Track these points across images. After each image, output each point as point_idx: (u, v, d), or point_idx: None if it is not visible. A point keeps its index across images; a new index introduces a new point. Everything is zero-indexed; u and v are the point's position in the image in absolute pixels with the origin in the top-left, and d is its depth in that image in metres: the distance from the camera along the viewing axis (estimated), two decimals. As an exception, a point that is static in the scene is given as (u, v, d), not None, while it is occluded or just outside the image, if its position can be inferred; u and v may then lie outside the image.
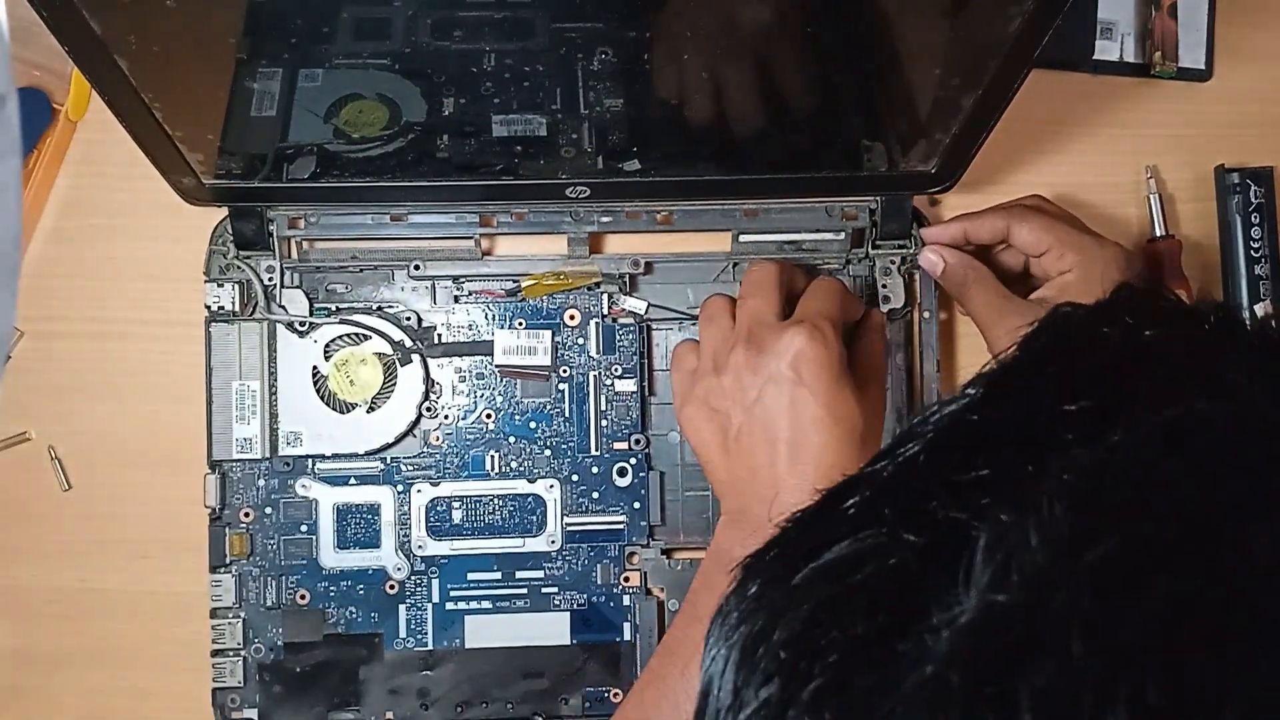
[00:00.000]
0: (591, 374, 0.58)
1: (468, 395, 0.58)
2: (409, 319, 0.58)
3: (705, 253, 0.59)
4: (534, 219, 0.57)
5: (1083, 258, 0.53)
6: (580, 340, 0.58)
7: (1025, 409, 0.25)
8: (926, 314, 0.59)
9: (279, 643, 0.56)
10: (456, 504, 0.57)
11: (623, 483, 0.58)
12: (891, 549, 0.24)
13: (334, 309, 0.58)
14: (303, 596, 0.56)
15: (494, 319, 0.58)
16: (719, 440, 0.51)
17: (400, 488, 0.57)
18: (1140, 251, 0.60)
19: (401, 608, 0.57)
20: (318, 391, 0.57)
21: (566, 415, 0.58)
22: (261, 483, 0.57)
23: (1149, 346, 0.26)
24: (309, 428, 0.57)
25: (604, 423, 0.58)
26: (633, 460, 0.58)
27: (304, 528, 0.57)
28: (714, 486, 0.53)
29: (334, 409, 0.57)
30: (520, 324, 0.58)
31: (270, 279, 0.57)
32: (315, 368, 0.57)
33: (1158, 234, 0.60)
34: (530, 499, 0.58)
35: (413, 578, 0.57)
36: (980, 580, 0.22)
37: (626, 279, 0.58)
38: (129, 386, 0.59)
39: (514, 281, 0.58)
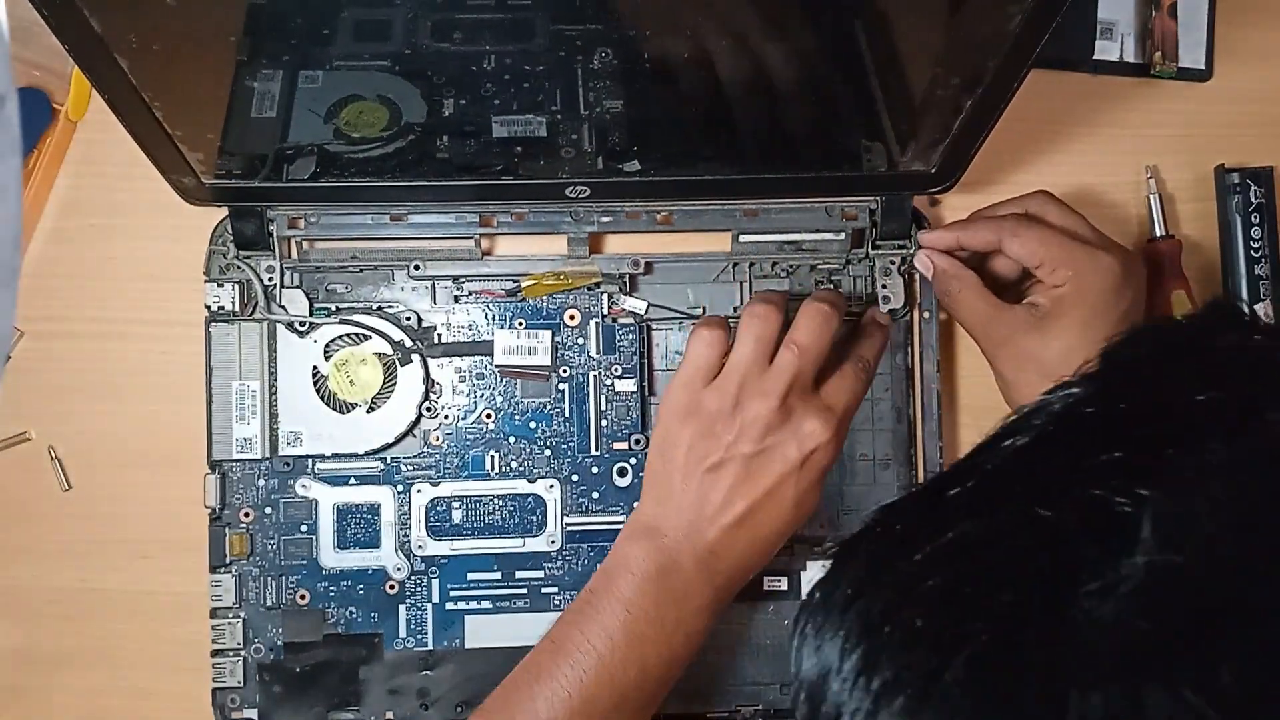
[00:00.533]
0: (591, 374, 0.58)
1: (468, 395, 0.58)
2: (409, 319, 0.58)
3: (705, 253, 0.59)
4: (534, 219, 0.57)
5: (1075, 272, 0.52)
6: (580, 340, 0.58)
7: (1151, 401, 0.28)
8: (926, 314, 0.59)
9: (279, 643, 0.56)
10: (456, 504, 0.57)
11: (623, 483, 0.58)
12: (1028, 525, 0.26)
13: (334, 309, 0.58)
14: (303, 596, 0.56)
15: (494, 319, 0.58)
16: (693, 458, 0.50)
17: (400, 488, 0.57)
18: (1141, 252, 0.59)
19: (401, 608, 0.57)
20: (318, 391, 0.57)
21: (566, 415, 0.58)
22: (261, 483, 0.57)
23: (1261, 351, 0.29)
24: (309, 428, 0.57)
25: (604, 423, 0.58)
26: (633, 460, 0.58)
27: (304, 528, 0.57)
28: (646, 481, 0.52)
29: (334, 409, 0.57)
30: (520, 324, 0.58)
31: (270, 279, 0.57)
32: (315, 368, 0.57)
33: (1158, 234, 0.60)
34: (530, 499, 0.58)
35: (413, 578, 0.57)
36: (1150, 546, 0.25)
37: (626, 279, 0.58)
38: (129, 386, 0.59)
39: (514, 281, 0.58)
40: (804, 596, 0.29)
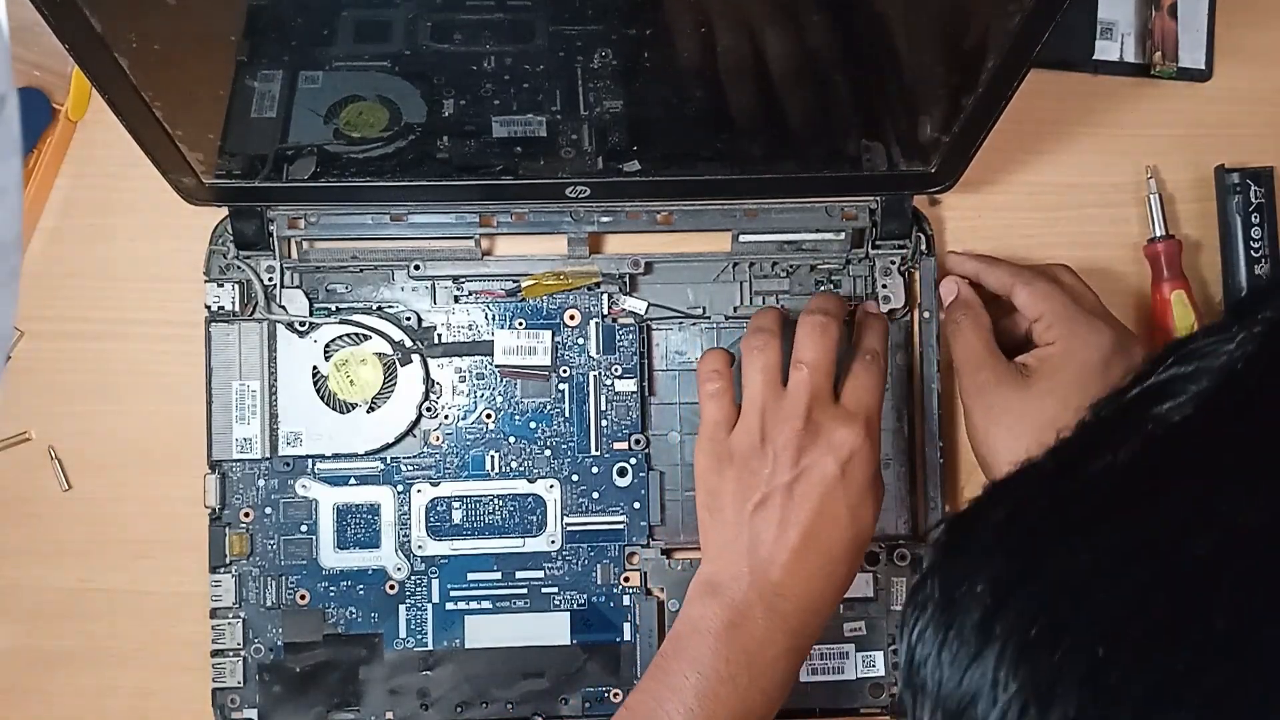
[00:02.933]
0: (591, 374, 0.58)
1: (468, 395, 0.58)
2: (409, 319, 0.58)
3: (705, 253, 0.59)
4: (534, 219, 0.57)
5: (1068, 333, 0.52)
6: (580, 340, 0.58)
7: None
8: (926, 314, 0.59)
9: (279, 643, 0.56)
10: (456, 504, 0.57)
11: (623, 483, 0.58)
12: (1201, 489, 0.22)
13: (334, 309, 0.58)
14: (303, 596, 0.56)
15: (494, 319, 0.58)
16: (738, 503, 0.50)
17: (400, 488, 0.57)
18: (1141, 337, 0.57)
19: (401, 608, 0.57)
20: (318, 391, 0.57)
21: (566, 415, 0.58)
22: (261, 483, 0.57)
23: None
24: (309, 428, 0.57)
25: (604, 423, 0.58)
26: (633, 460, 0.58)
27: (304, 528, 0.57)
28: (702, 541, 0.51)
29: (334, 409, 0.57)
30: (520, 324, 0.58)
31: (270, 279, 0.57)
32: (315, 368, 0.57)
33: (1158, 234, 0.60)
34: (530, 499, 0.58)
35: (413, 578, 0.57)
36: None
37: (626, 279, 0.58)
38: (129, 386, 0.59)
39: (514, 281, 0.58)
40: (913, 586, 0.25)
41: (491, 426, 0.58)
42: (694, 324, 0.59)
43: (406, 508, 0.57)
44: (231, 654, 0.56)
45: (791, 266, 0.59)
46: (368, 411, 0.57)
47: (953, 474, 0.60)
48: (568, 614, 0.57)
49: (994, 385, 0.53)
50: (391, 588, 0.57)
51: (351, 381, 0.57)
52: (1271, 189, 0.60)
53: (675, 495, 0.58)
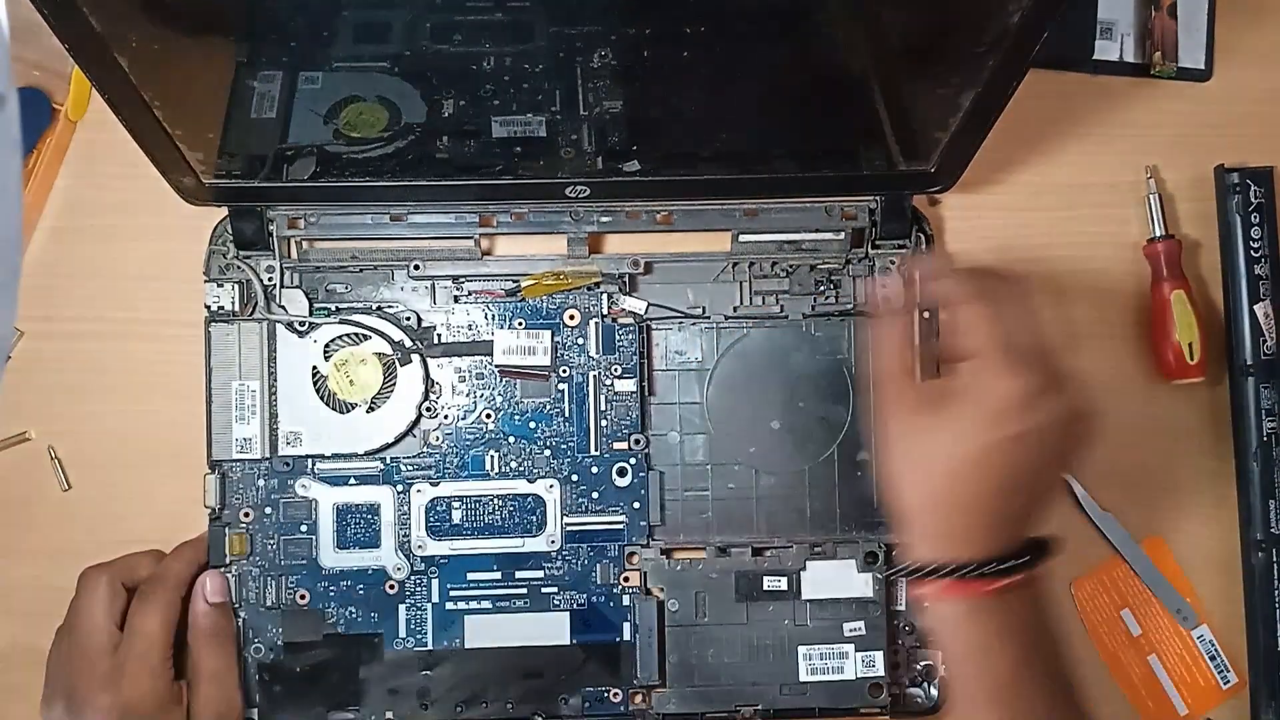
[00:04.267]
0: (591, 374, 0.58)
1: (467, 395, 0.58)
2: (409, 319, 0.58)
3: (705, 253, 0.59)
4: (534, 219, 0.57)
5: (981, 367, 0.47)
6: (580, 340, 0.58)
7: None
8: (927, 314, 0.58)
9: (279, 643, 0.56)
10: (456, 504, 0.57)
11: (622, 483, 0.58)
12: None
13: (334, 309, 0.58)
14: (303, 596, 0.56)
15: (494, 319, 0.58)
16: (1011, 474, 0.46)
17: (400, 488, 0.57)
18: (1075, 380, 0.49)
19: (401, 608, 0.57)
20: (318, 391, 0.57)
21: (566, 415, 0.58)
22: (261, 483, 0.57)
23: None
24: (309, 428, 0.57)
25: (604, 423, 0.58)
26: (632, 460, 0.58)
27: (304, 528, 0.57)
28: (949, 530, 0.47)
29: (334, 409, 0.57)
30: (520, 324, 0.58)
31: (270, 279, 0.57)
32: (315, 368, 0.57)
33: (1158, 234, 0.60)
34: (530, 499, 0.58)
35: (413, 578, 0.57)
36: None
37: (626, 279, 0.58)
38: (129, 386, 0.59)
39: (514, 281, 0.58)
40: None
41: (491, 426, 0.58)
42: (694, 324, 0.59)
43: (406, 508, 0.57)
44: (231, 654, 0.56)
45: (791, 266, 0.59)
46: (367, 411, 0.57)
47: (952, 474, 0.60)
48: (567, 614, 0.57)
49: (912, 397, 0.49)
50: (391, 588, 0.57)
51: (351, 381, 0.57)
52: (1271, 189, 0.60)
53: (675, 495, 0.58)
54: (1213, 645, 0.60)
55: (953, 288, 0.50)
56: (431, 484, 0.57)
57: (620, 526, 0.57)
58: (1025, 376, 0.46)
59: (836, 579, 0.58)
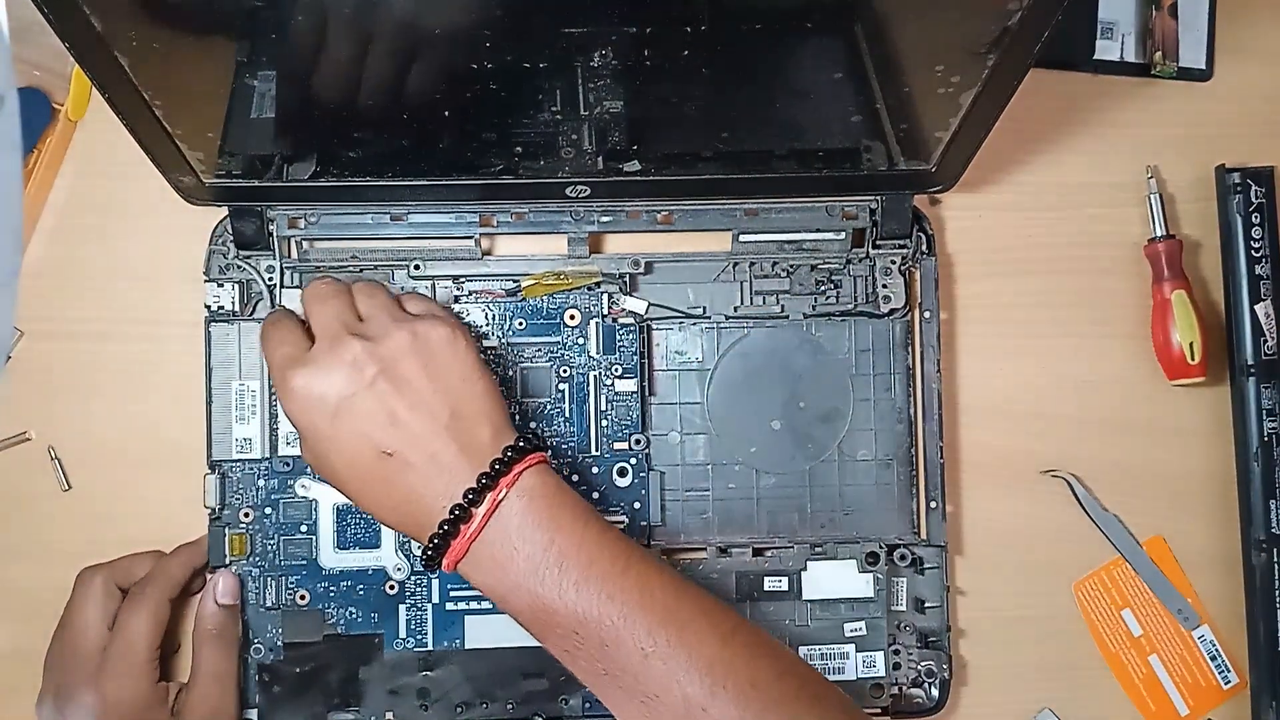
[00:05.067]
0: (591, 374, 0.58)
1: (468, 395, 0.58)
2: (409, 319, 0.58)
3: (705, 253, 0.59)
4: (534, 219, 0.57)
5: None
6: (580, 340, 0.58)
7: None
8: (927, 314, 0.59)
9: (279, 643, 0.56)
10: (456, 504, 0.57)
11: (623, 483, 0.58)
12: None
13: (334, 309, 0.58)
14: (303, 596, 0.56)
15: (494, 319, 0.58)
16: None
17: (400, 488, 0.57)
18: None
19: (401, 608, 0.57)
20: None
21: (567, 415, 0.58)
22: (261, 483, 0.57)
23: None
24: (309, 428, 0.57)
25: (604, 423, 0.58)
26: (633, 460, 0.58)
27: (304, 528, 0.57)
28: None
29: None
30: (520, 324, 0.58)
31: (270, 279, 0.57)
32: (315, 368, 0.57)
33: (1158, 234, 0.60)
34: (530, 499, 0.57)
35: (413, 578, 0.57)
36: None
37: (626, 279, 0.58)
38: (129, 386, 0.59)
39: (514, 281, 0.58)
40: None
41: (491, 426, 0.58)
42: (694, 324, 0.59)
43: (406, 508, 0.57)
44: (231, 654, 0.56)
45: (791, 266, 0.59)
46: (368, 411, 0.57)
47: (953, 474, 0.60)
48: (568, 614, 0.57)
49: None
50: (391, 588, 0.57)
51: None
52: (1272, 189, 0.60)
53: (676, 495, 0.58)
54: (1214, 645, 0.60)
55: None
56: (432, 484, 0.57)
57: (621, 526, 0.57)
58: (291, 382, 0.48)
59: (837, 579, 0.58)
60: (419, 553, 0.47)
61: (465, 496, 0.46)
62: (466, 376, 0.48)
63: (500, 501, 0.46)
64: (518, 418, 0.58)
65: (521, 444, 0.47)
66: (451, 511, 0.46)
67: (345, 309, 0.49)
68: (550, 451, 0.57)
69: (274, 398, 0.57)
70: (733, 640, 0.45)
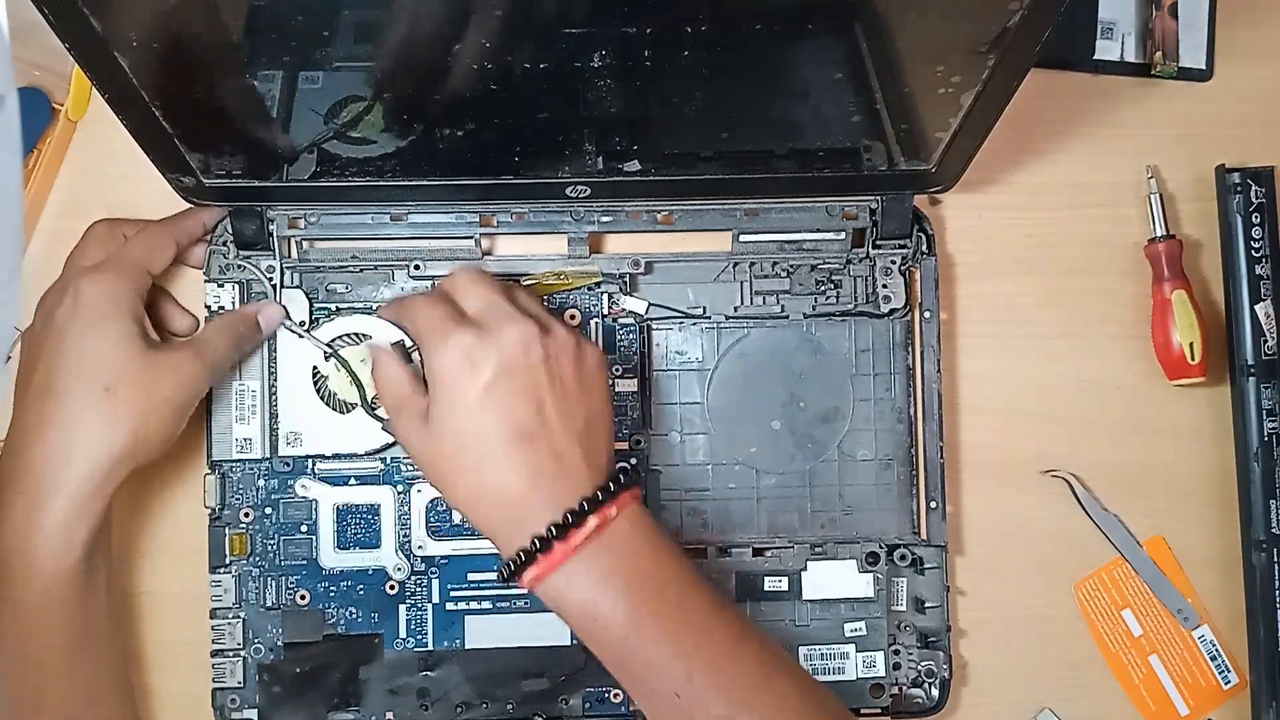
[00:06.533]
0: (592, 374, 0.58)
1: (468, 395, 0.58)
2: (409, 319, 0.58)
3: (705, 253, 0.59)
4: (534, 219, 0.57)
5: (426, 350, 0.48)
6: (580, 340, 0.58)
7: None
8: (927, 314, 0.59)
9: (279, 643, 0.56)
10: (456, 504, 0.57)
11: (623, 483, 0.58)
12: None
13: (334, 309, 0.58)
14: (303, 596, 0.56)
15: (494, 319, 0.58)
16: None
17: (400, 488, 0.57)
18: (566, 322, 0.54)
19: (401, 608, 0.57)
20: (318, 391, 0.57)
21: (567, 415, 0.58)
22: (261, 483, 0.57)
23: None
24: (309, 428, 0.57)
25: (604, 423, 0.58)
26: (633, 460, 0.58)
27: (304, 528, 0.57)
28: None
29: (334, 409, 0.57)
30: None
31: (271, 279, 0.57)
32: (315, 368, 0.57)
33: (1158, 234, 0.60)
34: (530, 499, 0.57)
35: (413, 578, 0.57)
36: None
37: (626, 279, 0.58)
38: (129, 386, 0.59)
39: (514, 281, 0.58)
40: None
41: (491, 426, 0.58)
42: (694, 324, 0.59)
43: (407, 508, 0.57)
44: (231, 654, 0.56)
45: (791, 266, 0.59)
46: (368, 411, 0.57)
47: (953, 474, 0.60)
48: (568, 614, 0.57)
49: (419, 432, 0.49)
50: (391, 588, 0.57)
51: (352, 381, 0.57)
52: (1272, 189, 0.60)
53: (676, 495, 0.58)
54: (1214, 645, 0.60)
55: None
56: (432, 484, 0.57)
57: (620, 527, 0.57)
58: (450, 339, 0.47)
59: (837, 579, 0.58)
60: (500, 563, 0.46)
61: (580, 505, 0.46)
62: (605, 399, 0.49)
63: (610, 520, 0.46)
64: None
65: (631, 473, 0.48)
66: (565, 517, 0.45)
67: (505, 297, 0.49)
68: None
69: (275, 397, 0.57)
70: None
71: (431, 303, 0.49)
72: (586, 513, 0.45)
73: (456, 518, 0.57)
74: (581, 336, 0.49)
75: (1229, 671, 0.60)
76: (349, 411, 0.57)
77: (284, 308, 0.56)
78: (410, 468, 0.57)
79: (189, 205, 0.55)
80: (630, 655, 0.45)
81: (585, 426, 0.47)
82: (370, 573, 0.57)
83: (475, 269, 0.51)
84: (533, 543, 0.45)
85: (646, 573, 0.46)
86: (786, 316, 0.59)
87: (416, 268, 0.57)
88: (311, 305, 0.57)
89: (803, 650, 0.57)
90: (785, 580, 0.58)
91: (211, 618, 0.56)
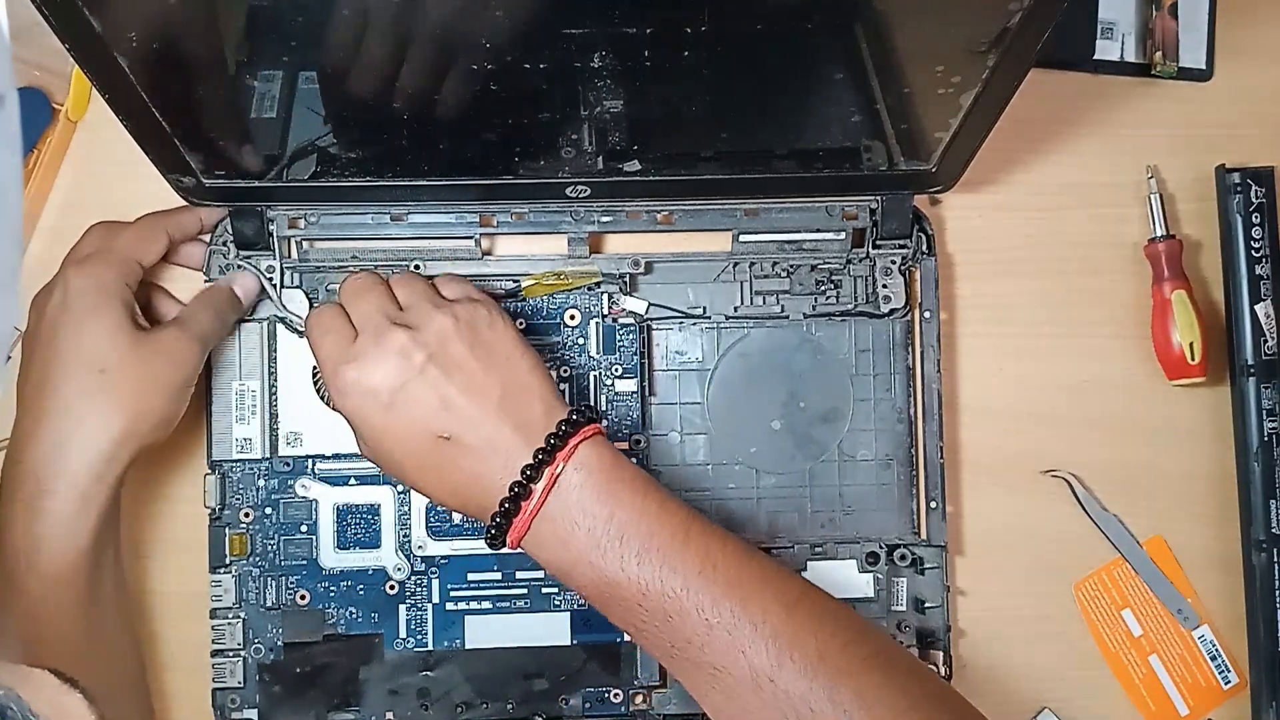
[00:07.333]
0: (591, 374, 0.58)
1: (468, 395, 0.58)
2: (409, 319, 0.58)
3: (705, 253, 0.59)
4: (534, 219, 0.57)
5: None
6: (580, 340, 0.58)
7: None
8: (927, 314, 0.59)
9: (279, 643, 0.56)
10: (457, 504, 0.57)
11: (623, 483, 0.58)
12: None
13: (334, 309, 0.58)
14: (303, 597, 0.56)
15: (494, 319, 0.58)
16: None
17: (400, 487, 0.57)
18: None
19: (401, 608, 0.57)
20: (318, 391, 0.57)
21: (567, 415, 0.58)
22: (261, 483, 0.57)
23: None
24: (309, 428, 0.57)
25: (604, 423, 0.58)
26: (634, 460, 0.58)
27: (304, 528, 0.57)
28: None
29: (334, 409, 0.57)
30: (520, 324, 0.58)
31: (271, 279, 0.57)
32: (315, 368, 0.57)
33: (1158, 234, 0.60)
34: (530, 499, 0.57)
35: (413, 578, 0.57)
36: None
37: (626, 279, 0.58)
38: (129, 386, 0.58)
39: (514, 281, 0.58)
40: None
41: (492, 426, 0.58)
42: (694, 324, 0.59)
43: (407, 508, 0.57)
44: (231, 654, 0.56)
45: (791, 266, 0.59)
46: (368, 411, 0.57)
47: (953, 474, 0.60)
48: (568, 614, 0.57)
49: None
50: (391, 588, 0.57)
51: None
52: (1272, 189, 0.60)
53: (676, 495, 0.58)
54: (1214, 645, 0.60)
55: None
56: (432, 484, 0.57)
57: (621, 527, 0.57)
58: (339, 380, 0.48)
59: (837, 579, 0.58)
60: (484, 532, 0.47)
61: (523, 473, 0.46)
62: (511, 354, 0.48)
63: (558, 476, 0.46)
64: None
65: (575, 417, 0.47)
66: (511, 489, 0.46)
67: (385, 300, 0.50)
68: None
69: (275, 397, 0.57)
70: (797, 609, 0.45)
71: (320, 335, 0.49)
72: (533, 479, 0.46)
73: (456, 518, 0.57)
74: (462, 307, 0.49)
75: (1229, 671, 0.60)
76: (349, 411, 0.57)
77: (257, 271, 0.56)
78: (410, 468, 0.57)
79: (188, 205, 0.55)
80: (616, 592, 0.46)
81: (504, 396, 0.47)
82: (370, 573, 0.57)
83: (355, 281, 0.51)
84: (494, 520, 0.46)
85: (610, 512, 0.46)
86: (786, 316, 0.59)
87: (417, 268, 0.57)
88: (311, 305, 0.57)
89: (803, 650, 0.57)
90: (785, 580, 0.58)
91: (212, 618, 0.56)
